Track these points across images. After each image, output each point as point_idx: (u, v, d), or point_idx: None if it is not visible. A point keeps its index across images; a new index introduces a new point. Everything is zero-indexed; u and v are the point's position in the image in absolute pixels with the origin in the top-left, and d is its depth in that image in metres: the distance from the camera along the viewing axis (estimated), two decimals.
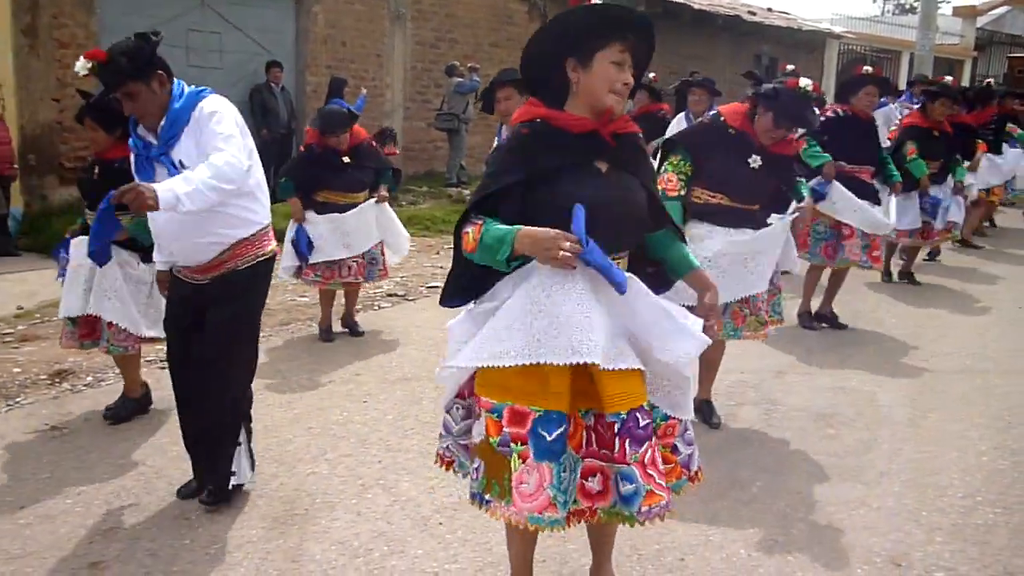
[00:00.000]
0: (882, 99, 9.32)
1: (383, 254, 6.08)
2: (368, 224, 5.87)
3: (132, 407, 4.49)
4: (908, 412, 4.73)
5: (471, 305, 2.49)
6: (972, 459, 4.14)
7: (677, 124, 6.84)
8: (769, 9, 21.30)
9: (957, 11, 26.75)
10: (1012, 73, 16.95)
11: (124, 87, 3.18)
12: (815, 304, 6.41)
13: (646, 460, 2.27)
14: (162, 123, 3.21)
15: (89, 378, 5.04)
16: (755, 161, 4.08)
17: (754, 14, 19.11)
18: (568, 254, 2.12)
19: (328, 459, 3.99)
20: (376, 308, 6.92)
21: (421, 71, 13.27)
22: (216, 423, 3.49)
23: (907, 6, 45.13)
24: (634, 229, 2.46)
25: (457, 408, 2.55)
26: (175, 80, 3.28)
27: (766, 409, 4.63)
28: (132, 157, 3.41)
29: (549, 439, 2.24)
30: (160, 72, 3.21)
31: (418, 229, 9.55)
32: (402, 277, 7.84)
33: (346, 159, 5.80)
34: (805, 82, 4.07)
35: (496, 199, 2.31)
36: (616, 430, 2.28)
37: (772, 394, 4.88)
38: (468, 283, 2.47)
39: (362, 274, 5.92)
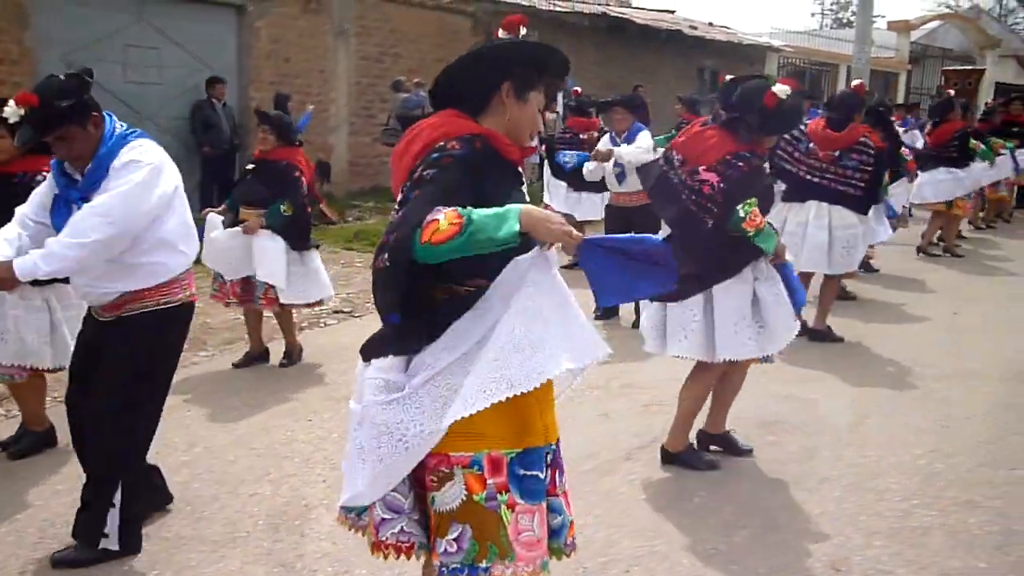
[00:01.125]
0: (812, 109, 9.54)
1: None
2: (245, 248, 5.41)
3: (33, 440, 4.21)
4: (849, 418, 4.82)
5: (382, 397, 2.11)
6: (910, 463, 4.24)
7: (602, 145, 6.77)
8: (710, 23, 21.68)
9: (892, 25, 27.48)
10: (948, 86, 17.46)
11: (59, 131, 3.02)
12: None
13: (566, 489, 2.30)
14: (88, 167, 3.07)
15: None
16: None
17: (695, 28, 19.42)
18: (572, 240, 2.04)
19: (271, 480, 3.94)
20: (322, 325, 6.86)
21: (366, 86, 13.22)
22: (92, 474, 3.26)
23: (844, 20, 46.28)
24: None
25: (404, 481, 2.18)
26: (106, 116, 3.16)
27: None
28: (46, 188, 3.25)
29: (542, 476, 2.18)
30: (95, 114, 3.08)
31: (364, 245, 9.48)
32: (348, 294, 7.78)
33: (250, 165, 5.58)
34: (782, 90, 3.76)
35: None
36: (548, 461, 2.24)
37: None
38: (402, 298, 2.08)
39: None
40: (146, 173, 3.05)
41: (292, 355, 5.74)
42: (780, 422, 4.71)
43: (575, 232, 2.03)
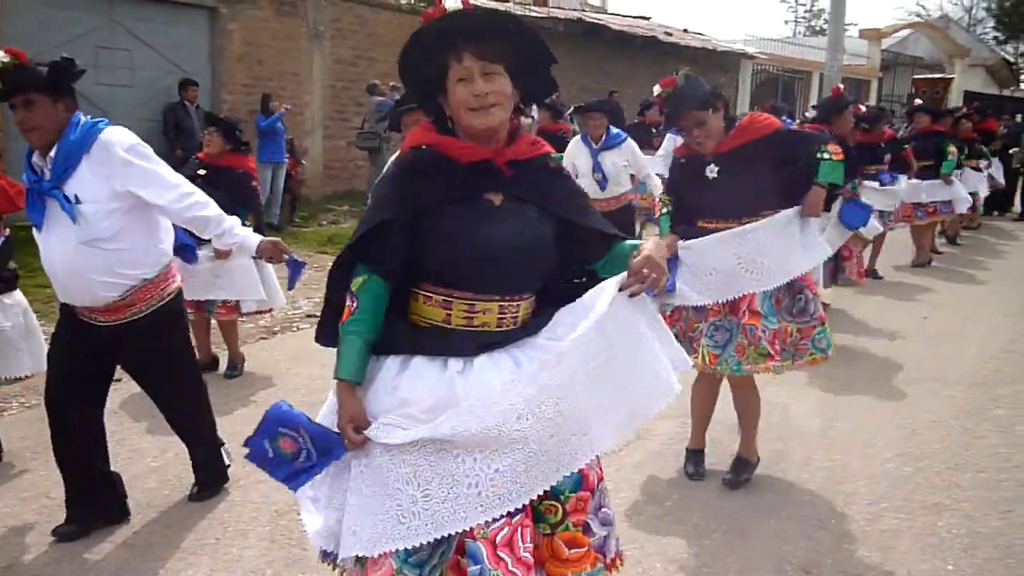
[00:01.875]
0: (786, 119, 9.64)
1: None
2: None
3: None
4: (818, 423, 4.86)
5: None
6: (878, 466, 4.28)
7: (575, 147, 6.80)
8: (685, 30, 21.84)
9: (863, 33, 27.87)
10: (916, 93, 17.71)
11: (28, 93, 3.04)
12: None
13: (498, 539, 1.89)
14: (53, 154, 3.08)
15: None
16: (712, 171, 3.75)
17: (670, 35, 19.55)
18: (355, 444, 1.92)
19: (241, 486, 3.90)
20: (295, 329, 6.82)
21: (340, 89, 13.18)
22: (199, 452, 3.76)
23: (817, 28, 46.76)
24: (533, 268, 2.05)
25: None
26: (77, 113, 3.17)
27: (682, 422, 4.68)
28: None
29: None
30: (70, 99, 3.12)
31: (338, 248, 9.42)
32: (321, 298, 7.74)
33: (202, 171, 5.37)
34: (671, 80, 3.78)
35: (377, 238, 1.97)
36: None
37: (688, 407, 4.95)
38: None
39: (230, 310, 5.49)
40: (150, 152, 3.22)
41: (237, 366, 5.64)
42: None
43: (356, 438, 1.92)
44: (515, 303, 2.04)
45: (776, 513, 3.74)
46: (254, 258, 5.31)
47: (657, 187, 6.88)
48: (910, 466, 4.29)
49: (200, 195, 3.30)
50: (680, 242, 3.84)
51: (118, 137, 3.13)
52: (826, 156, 3.86)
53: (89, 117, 3.20)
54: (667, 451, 4.36)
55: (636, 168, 6.77)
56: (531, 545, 1.94)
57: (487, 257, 1.97)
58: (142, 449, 4.29)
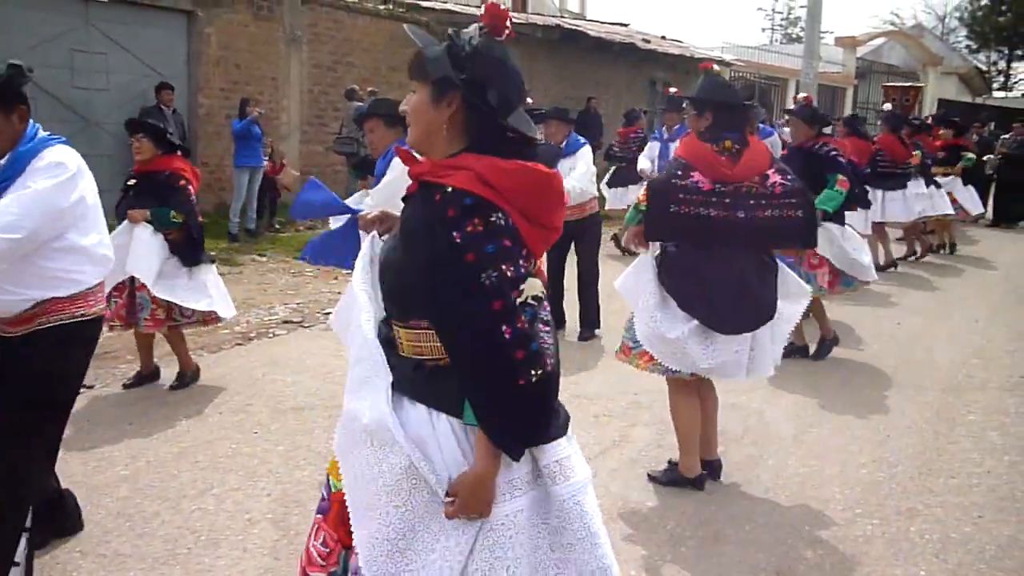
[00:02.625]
0: (768, 127, 9.70)
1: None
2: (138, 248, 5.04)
3: None
4: (793, 428, 4.89)
5: None
6: (852, 472, 4.31)
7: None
8: (663, 37, 21.95)
9: (839, 41, 28.16)
10: (887, 101, 17.88)
11: None
12: None
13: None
14: (3, 163, 2.93)
15: None
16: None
17: (648, 41, 19.64)
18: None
19: (215, 494, 3.87)
20: (271, 336, 6.77)
21: (318, 94, 13.13)
22: None
23: (793, 36, 47.17)
24: (395, 296, 1.96)
25: None
26: (31, 123, 3.01)
27: (658, 430, 4.71)
28: None
29: None
30: (23, 107, 2.96)
31: None
32: (298, 304, 7.71)
33: (131, 181, 5.17)
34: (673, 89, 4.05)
35: None
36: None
37: (664, 414, 4.95)
38: None
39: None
40: (66, 177, 2.94)
41: (185, 377, 5.37)
42: (725, 432, 4.73)
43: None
44: (395, 327, 1.97)
45: (751, 519, 3.75)
46: (188, 267, 5.21)
47: (579, 195, 6.52)
48: (884, 472, 4.32)
49: (3, 219, 2.83)
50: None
51: (50, 155, 2.95)
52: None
53: (48, 133, 3.06)
54: (643, 458, 4.36)
55: (574, 170, 6.35)
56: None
57: (381, 269, 2.04)
58: (112, 457, 4.24)
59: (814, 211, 3.88)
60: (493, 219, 1.77)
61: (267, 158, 11.05)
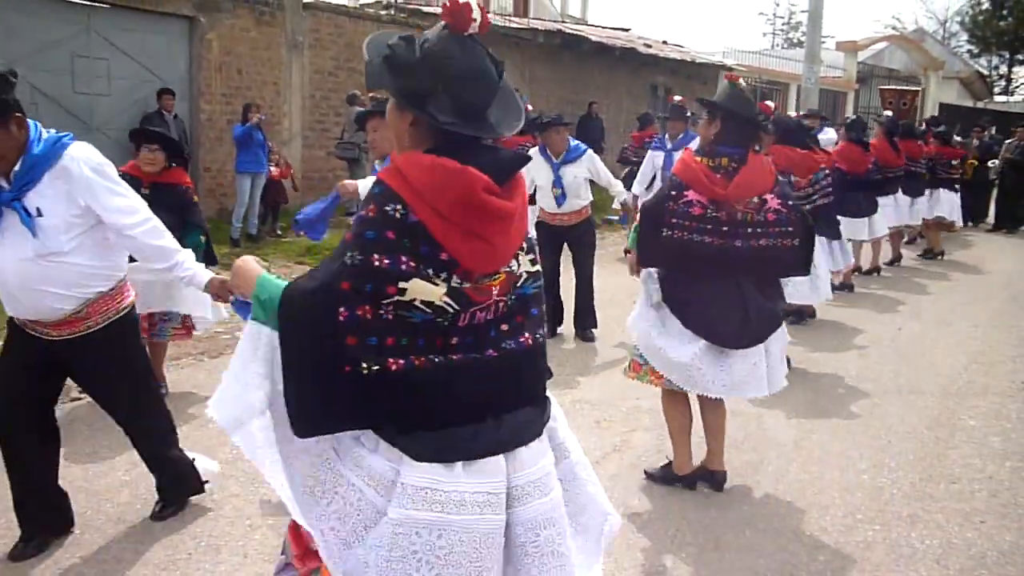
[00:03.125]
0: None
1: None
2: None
3: None
4: (794, 434, 4.88)
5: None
6: (853, 478, 4.30)
7: (534, 161, 6.67)
8: (664, 42, 21.98)
9: (840, 46, 28.17)
10: (883, 105, 17.90)
11: None
12: None
13: None
14: (17, 168, 2.99)
15: None
16: None
17: (649, 46, 19.66)
18: None
19: (215, 499, 3.87)
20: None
21: (320, 99, 13.15)
22: (157, 453, 3.62)
23: (794, 40, 47.19)
24: None
25: None
26: (32, 124, 3.08)
27: (659, 435, 4.70)
28: None
29: None
30: (18, 114, 3.00)
31: (316, 260, 9.41)
32: None
33: (145, 190, 5.00)
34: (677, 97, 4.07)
35: None
36: None
37: (661, 419, 4.95)
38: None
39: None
40: (113, 172, 3.16)
41: (162, 387, 5.25)
42: (725, 438, 4.73)
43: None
44: None
45: (751, 525, 3.75)
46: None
47: (621, 193, 6.86)
48: (885, 477, 4.31)
49: (157, 223, 3.21)
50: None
51: (84, 154, 3.07)
52: None
53: (54, 130, 3.12)
54: (644, 463, 4.36)
55: (597, 177, 6.63)
56: None
57: None
58: (113, 462, 4.24)
59: (811, 238, 3.83)
60: (387, 209, 1.76)
61: (274, 164, 11.05)
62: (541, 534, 1.90)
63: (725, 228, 3.65)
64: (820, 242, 7.12)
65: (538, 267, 2.01)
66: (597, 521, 2.15)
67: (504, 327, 1.91)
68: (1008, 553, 3.59)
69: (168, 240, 3.22)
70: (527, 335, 1.95)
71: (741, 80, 3.92)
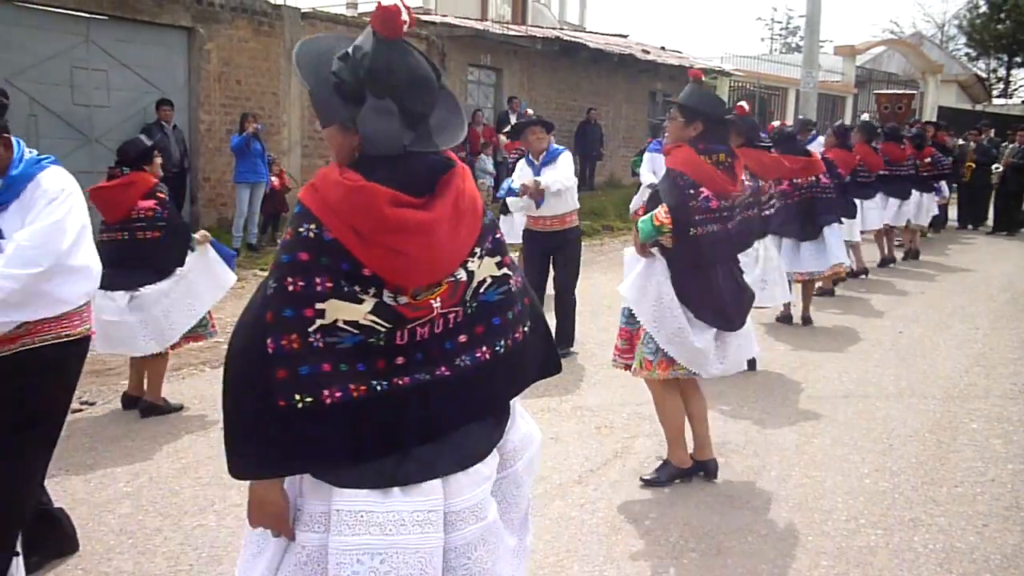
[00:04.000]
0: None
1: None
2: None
3: None
4: (795, 438, 4.87)
5: None
6: (855, 482, 4.29)
7: (523, 167, 6.55)
8: (662, 48, 22.01)
9: (838, 50, 28.21)
10: (879, 109, 17.94)
11: None
12: None
13: None
14: None
15: None
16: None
17: (648, 52, 19.69)
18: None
19: (216, 510, 3.86)
20: None
21: None
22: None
23: (793, 45, 47.28)
24: None
25: None
26: (16, 141, 2.98)
27: (660, 441, 4.68)
28: None
29: None
30: (4, 135, 2.92)
31: None
32: None
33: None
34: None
35: None
36: None
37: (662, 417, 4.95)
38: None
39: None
40: (72, 203, 2.94)
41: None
42: (727, 443, 4.74)
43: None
44: None
45: (753, 530, 3.74)
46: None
47: (547, 180, 6.37)
48: (887, 481, 4.31)
49: (22, 252, 2.80)
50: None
51: (49, 182, 2.93)
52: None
53: (34, 153, 3.01)
54: (645, 470, 4.34)
55: (555, 170, 6.34)
56: None
57: None
58: (114, 474, 4.23)
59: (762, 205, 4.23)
60: (302, 230, 1.71)
61: (275, 175, 11.07)
62: (472, 556, 1.85)
63: (727, 215, 3.92)
64: (785, 245, 7.18)
65: (506, 270, 1.92)
66: (524, 513, 2.10)
67: (462, 339, 1.84)
68: (1011, 556, 3.58)
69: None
70: (484, 348, 1.87)
71: (703, 76, 4.07)
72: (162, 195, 5.10)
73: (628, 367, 4.18)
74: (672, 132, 3.99)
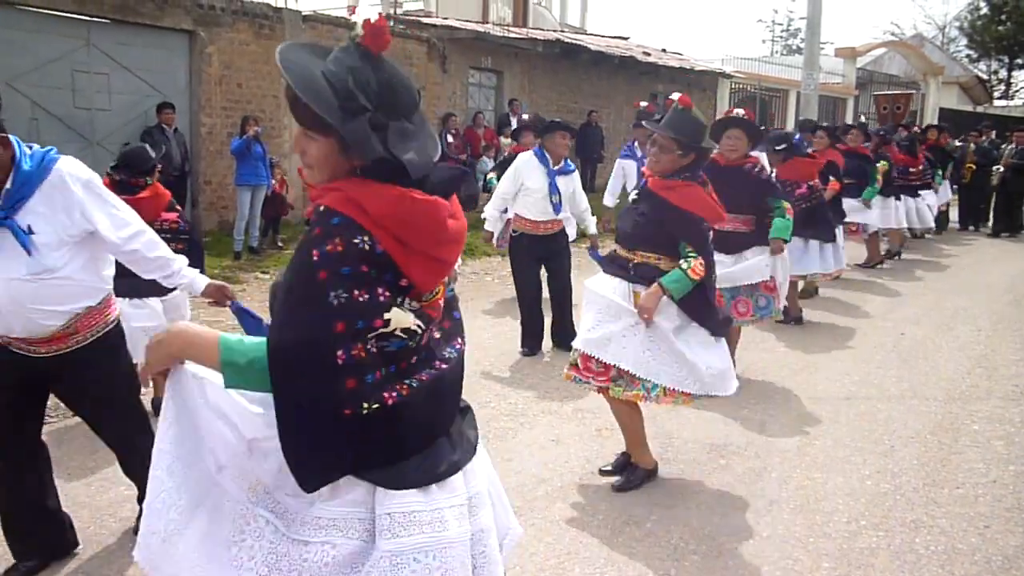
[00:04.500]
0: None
1: None
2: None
3: None
4: (796, 440, 4.87)
5: None
6: (856, 484, 4.29)
7: (528, 163, 6.50)
8: (663, 50, 22.01)
9: (839, 52, 28.21)
10: (878, 110, 17.96)
11: None
12: None
13: None
14: (8, 186, 2.94)
15: None
16: (634, 195, 4.09)
17: (649, 54, 19.70)
18: None
19: None
20: None
21: None
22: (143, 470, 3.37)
23: (793, 47, 47.30)
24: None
25: None
26: (14, 141, 3.02)
27: (662, 443, 4.70)
28: None
29: None
30: (3, 134, 2.96)
31: None
32: None
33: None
34: (674, 97, 4.11)
35: None
36: None
37: (667, 427, 4.96)
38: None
39: None
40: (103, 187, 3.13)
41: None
42: (728, 445, 4.74)
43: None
44: None
45: (755, 533, 3.74)
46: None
47: (591, 226, 6.75)
48: (888, 483, 4.30)
49: (152, 235, 3.21)
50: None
51: (73, 169, 3.04)
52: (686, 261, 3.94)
53: (37, 146, 3.07)
54: None
55: (575, 200, 6.55)
56: None
57: None
58: (115, 477, 4.21)
59: None
60: (356, 241, 1.68)
61: (276, 178, 11.08)
62: (488, 543, 1.90)
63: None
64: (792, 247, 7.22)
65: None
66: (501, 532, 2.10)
67: (437, 335, 1.89)
68: (1013, 558, 3.58)
69: (164, 249, 3.23)
70: (458, 340, 1.95)
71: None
72: (180, 208, 5.23)
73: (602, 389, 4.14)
74: (667, 164, 3.91)
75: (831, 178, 8.47)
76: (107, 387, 3.29)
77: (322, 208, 1.74)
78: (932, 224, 12.47)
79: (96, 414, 3.40)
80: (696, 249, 3.87)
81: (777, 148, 7.25)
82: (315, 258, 1.67)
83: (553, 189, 6.37)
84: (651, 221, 3.93)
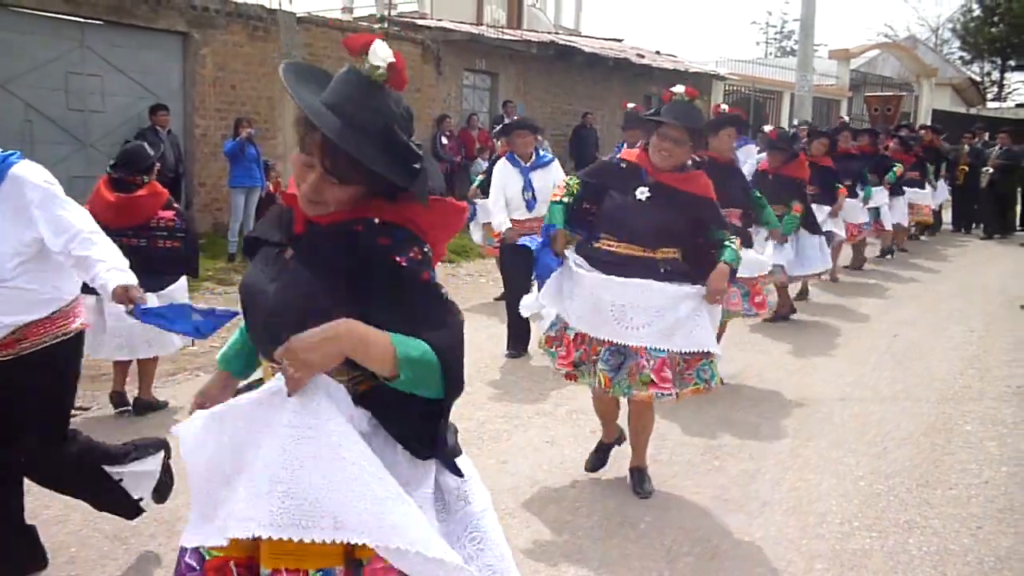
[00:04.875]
0: (744, 138, 9.75)
1: None
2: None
3: None
4: (790, 442, 4.88)
5: None
6: (850, 485, 4.30)
7: (503, 169, 6.54)
8: (657, 52, 22.04)
9: (833, 54, 28.26)
10: (870, 111, 18.00)
11: None
12: None
13: None
14: None
15: None
16: (643, 193, 3.85)
17: (643, 56, 19.73)
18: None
19: None
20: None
21: None
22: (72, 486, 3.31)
23: (787, 49, 47.37)
24: (291, 324, 1.70)
25: None
26: None
27: (654, 445, 4.68)
28: None
29: None
30: None
31: None
32: None
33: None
34: (679, 89, 3.95)
35: None
36: None
37: (660, 428, 4.95)
38: None
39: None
40: (59, 188, 3.02)
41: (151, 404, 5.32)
42: (722, 446, 4.75)
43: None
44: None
45: (748, 534, 3.75)
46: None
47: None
48: (881, 484, 4.31)
49: (90, 235, 3.00)
50: (571, 261, 4.00)
51: (30, 173, 2.93)
52: (728, 243, 3.91)
53: (1, 150, 2.99)
54: None
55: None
56: None
57: (253, 305, 1.94)
58: None
59: None
60: (426, 250, 1.83)
61: (271, 180, 11.06)
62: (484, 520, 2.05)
63: None
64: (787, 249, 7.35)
65: None
66: None
67: None
68: (1005, 559, 3.59)
69: (95, 251, 2.98)
70: None
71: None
72: (177, 206, 5.23)
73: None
74: (682, 156, 3.88)
75: (838, 185, 8.71)
76: (35, 399, 3.06)
77: (377, 221, 1.81)
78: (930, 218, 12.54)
79: (15, 424, 3.08)
80: (725, 228, 3.96)
81: (779, 148, 7.31)
82: (403, 264, 1.77)
83: (527, 186, 6.39)
84: (678, 217, 3.83)
